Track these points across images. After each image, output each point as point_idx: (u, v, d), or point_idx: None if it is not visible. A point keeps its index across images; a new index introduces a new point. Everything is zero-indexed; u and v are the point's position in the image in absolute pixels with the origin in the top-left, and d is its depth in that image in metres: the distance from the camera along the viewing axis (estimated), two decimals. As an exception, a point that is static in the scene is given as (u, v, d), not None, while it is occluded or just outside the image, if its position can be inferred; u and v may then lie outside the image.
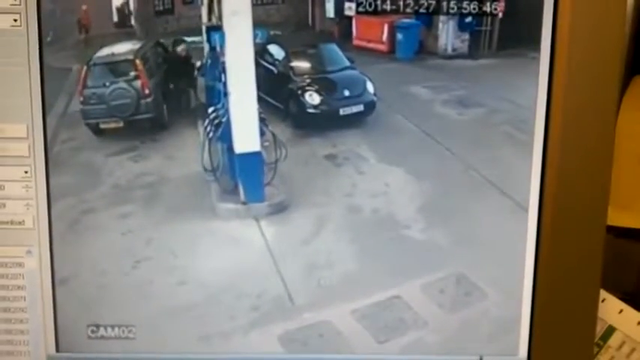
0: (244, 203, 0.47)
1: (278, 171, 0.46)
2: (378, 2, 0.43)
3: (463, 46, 0.45)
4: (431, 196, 0.45)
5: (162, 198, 0.45)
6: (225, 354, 0.46)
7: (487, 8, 0.43)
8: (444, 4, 0.43)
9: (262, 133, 0.46)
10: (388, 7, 0.43)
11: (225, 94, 0.45)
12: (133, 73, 0.46)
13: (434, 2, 0.43)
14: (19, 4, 0.42)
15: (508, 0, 0.43)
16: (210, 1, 0.44)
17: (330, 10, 0.44)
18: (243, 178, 0.47)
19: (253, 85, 0.44)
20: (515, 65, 0.43)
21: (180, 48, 0.45)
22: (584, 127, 0.42)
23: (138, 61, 0.46)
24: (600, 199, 0.42)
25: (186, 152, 0.46)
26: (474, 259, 0.45)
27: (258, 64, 0.45)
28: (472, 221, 0.45)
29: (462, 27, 0.44)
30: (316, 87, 0.48)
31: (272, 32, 0.45)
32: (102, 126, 0.45)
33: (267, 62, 0.47)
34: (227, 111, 0.45)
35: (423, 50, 0.45)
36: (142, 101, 0.46)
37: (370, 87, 0.46)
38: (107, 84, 0.45)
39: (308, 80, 0.48)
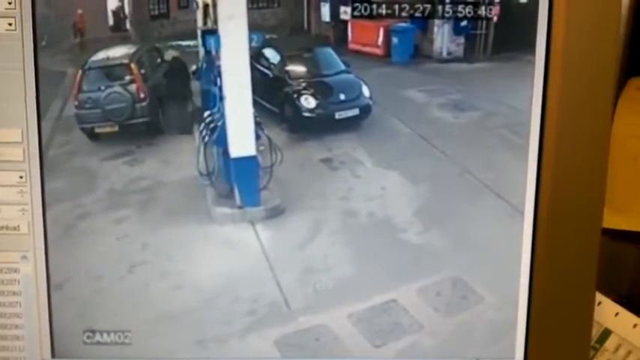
0: (240, 207, 0.47)
1: (274, 175, 0.46)
2: (374, 6, 0.43)
3: (458, 50, 0.45)
4: (427, 200, 0.45)
5: (158, 202, 0.45)
6: (221, 359, 0.46)
7: (482, 12, 0.43)
8: (440, 8, 0.43)
9: (258, 137, 0.46)
10: (383, 11, 0.43)
11: (221, 98, 0.45)
12: (128, 77, 0.46)
13: (429, 6, 0.43)
14: (14, 8, 0.42)
15: (503, 4, 0.43)
16: (205, 5, 0.44)
17: (325, 14, 0.44)
18: (239, 182, 0.47)
19: (249, 89, 0.44)
20: (511, 68, 0.43)
21: (175, 53, 0.45)
22: (580, 129, 0.42)
23: (133, 65, 0.45)
24: (596, 202, 0.42)
25: (181, 156, 0.46)
26: (470, 263, 0.45)
27: (253, 68, 0.45)
28: (468, 225, 0.45)
29: (457, 31, 0.44)
30: (312, 91, 0.48)
31: (267, 36, 0.45)
32: (97, 130, 0.45)
33: (263, 66, 0.47)
34: (222, 115, 0.45)
35: (419, 54, 0.45)
36: (138, 105, 0.46)
37: (366, 91, 0.46)
38: (102, 88, 0.45)
39: (304, 84, 0.48)
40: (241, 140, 0.46)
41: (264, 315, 0.45)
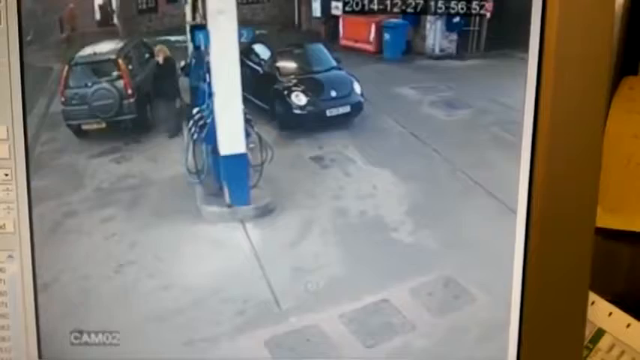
0: (229, 206, 0.46)
1: (264, 173, 0.45)
2: (365, 2, 0.43)
3: (451, 47, 0.45)
4: (419, 199, 0.44)
5: (146, 201, 0.45)
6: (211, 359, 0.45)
7: (475, 8, 0.43)
8: (432, 3, 0.43)
9: (248, 135, 0.45)
10: (375, 7, 0.43)
11: (210, 95, 0.45)
12: (115, 73, 0.45)
13: (421, 2, 0.43)
14: (-1, 3, 0.42)
15: (496, 0, 0.43)
16: (194, 0, 0.43)
17: (316, 10, 0.44)
18: (229, 180, 0.46)
19: (238, 86, 0.44)
20: (504, 66, 0.43)
21: (163, 48, 0.45)
22: (573, 128, 0.42)
23: (120, 61, 0.45)
24: (589, 201, 0.42)
25: (170, 154, 0.45)
26: (463, 262, 0.45)
27: (243, 64, 0.44)
28: (460, 223, 0.44)
29: (449, 27, 0.44)
30: (302, 87, 0.47)
31: (257, 32, 0.45)
32: (84, 127, 0.45)
33: (253, 62, 0.47)
34: (212, 112, 0.45)
35: (411, 50, 0.45)
36: (125, 102, 0.45)
37: (357, 88, 0.45)
38: (89, 84, 0.45)
39: (294, 80, 0.47)
40: (231, 137, 0.45)
41: (255, 315, 0.45)
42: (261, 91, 0.46)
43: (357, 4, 0.43)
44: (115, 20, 0.44)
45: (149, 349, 0.45)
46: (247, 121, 0.45)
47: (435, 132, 0.44)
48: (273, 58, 0.47)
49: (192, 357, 0.45)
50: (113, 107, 0.45)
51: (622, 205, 0.54)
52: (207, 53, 0.44)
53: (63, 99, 0.44)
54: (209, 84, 0.44)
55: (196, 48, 0.45)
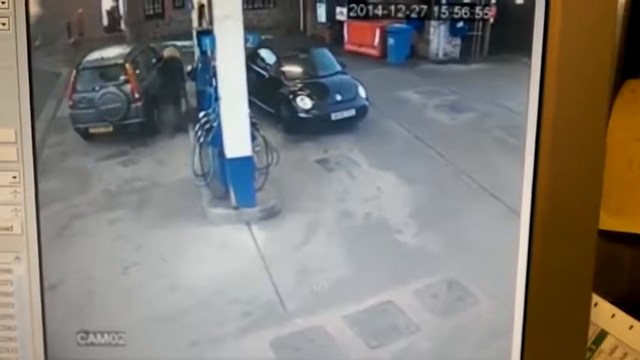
0: (235, 208, 0.46)
1: (269, 176, 0.45)
2: (370, 7, 0.43)
3: (454, 51, 0.45)
4: (423, 201, 0.45)
5: (153, 203, 0.45)
6: (216, 360, 0.46)
7: (478, 13, 0.43)
8: (436, 9, 0.43)
9: (254, 138, 0.46)
10: (380, 12, 0.43)
11: (216, 99, 0.45)
12: (123, 77, 0.46)
13: (425, 7, 0.43)
14: (8, 8, 0.42)
15: (499, 5, 0.43)
16: (200, 6, 0.44)
17: (321, 15, 0.44)
18: (235, 183, 0.47)
19: (244, 90, 0.44)
20: (507, 70, 0.43)
21: (170, 53, 0.45)
22: (576, 131, 0.42)
23: (128, 65, 0.45)
24: (592, 204, 0.42)
25: (176, 157, 0.45)
26: (466, 264, 0.45)
27: (249, 69, 0.45)
28: (464, 226, 0.45)
29: (453, 32, 0.44)
30: (308, 91, 0.47)
31: (263, 37, 0.45)
32: (91, 130, 0.45)
33: (259, 67, 0.47)
34: (218, 115, 0.45)
35: (415, 55, 0.45)
36: (132, 105, 0.46)
37: (362, 92, 0.46)
38: (97, 88, 0.45)
39: (299, 85, 0.48)
40: (237, 141, 0.46)
41: (260, 316, 0.45)
42: (266, 95, 0.46)
43: (361, 9, 0.43)
44: (123, 26, 0.44)
45: (155, 349, 0.45)
46: (253, 125, 0.45)
47: (438, 135, 0.44)
48: (279, 63, 0.47)
49: (197, 357, 0.45)
50: (120, 111, 0.45)
51: (624, 208, 0.54)
52: (214, 58, 0.44)
53: (71, 103, 0.44)
54: (215, 88, 0.45)
55: (203, 53, 0.45)
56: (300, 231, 0.45)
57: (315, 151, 0.46)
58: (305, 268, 0.45)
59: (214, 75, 0.45)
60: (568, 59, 0.41)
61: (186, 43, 0.45)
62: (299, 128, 0.47)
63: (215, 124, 0.46)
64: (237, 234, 0.45)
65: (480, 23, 0.43)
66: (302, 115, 0.47)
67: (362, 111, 0.46)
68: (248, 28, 0.43)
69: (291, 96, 0.47)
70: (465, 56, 0.45)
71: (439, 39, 0.45)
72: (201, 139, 0.46)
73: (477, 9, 0.43)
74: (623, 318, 0.51)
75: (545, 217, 0.43)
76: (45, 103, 0.44)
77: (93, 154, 0.45)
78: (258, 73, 0.47)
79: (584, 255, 0.43)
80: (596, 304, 0.50)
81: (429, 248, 0.45)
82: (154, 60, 0.46)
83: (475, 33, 0.44)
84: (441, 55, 0.45)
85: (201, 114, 0.46)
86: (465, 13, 0.43)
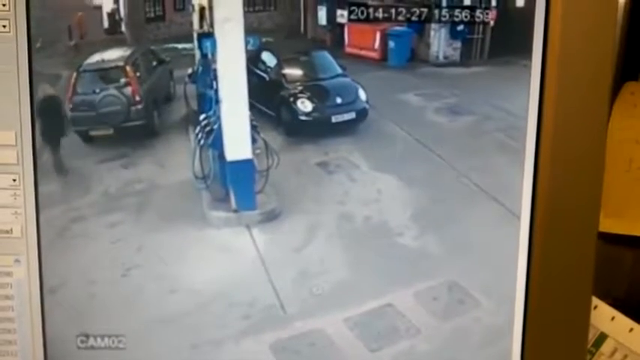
0: (235, 211, 0.46)
1: (270, 179, 0.45)
2: (370, 10, 0.43)
3: (455, 54, 0.45)
4: (423, 204, 0.45)
5: (153, 206, 0.45)
6: (216, 363, 0.45)
7: (479, 16, 0.43)
8: (436, 12, 0.43)
9: (254, 141, 0.46)
10: (380, 15, 0.43)
11: (217, 102, 0.45)
12: (123, 80, 0.46)
13: (426, 10, 0.43)
14: (8, 10, 0.42)
15: (500, 8, 0.43)
16: (201, 8, 0.44)
17: (322, 18, 0.44)
18: (235, 185, 0.47)
19: (245, 93, 0.44)
20: (507, 73, 0.43)
21: (171, 55, 0.45)
22: (576, 134, 0.42)
23: (128, 68, 0.45)
24: (591, 206, 0.43)
25: (177, 159, 0.45)
26: (467, 267, 0.45)
27: (249, 72, 0.45)
28: (464, 228, 0.45)
29: (453, 35, 0.44)
30: (308, 94, 0.48)
31: (264, 39, 0.45)
32: (91, 133, 0.45)
33: (259, 69, 0.47)
34: (218, 118, 0.45)
35: (415, 58, 0.45)
36: (133, 108, 0.46)
37: (362, 94, 0.46)
38: (97, 91, 0.45)
39: (300, 87, 0.48)
40: (237, 143, 0.46)
41: (260, 319, 0.45)
42: (267, 97, 0.46)
43: (362, 12, 0.43)
44: (123, 28, 0.44)
45: (155, 352, 0.45)
46: (253, 128, 0.45)
47: (439, 138, 0.44)
48: (280, 66, 0.47)
49: (197, 360, 0.45)
50: (121, 113, 0.45)
51: (624, 210, 0.54)
52: (214, 61, 0.44)
53: (71, 105, 0.44)
54: (216, 91, 0.45)
55: (203, 56, 0.45)
56: (300, 234, 0.45)
57: (316, 154, 0.46)
58: (305, 270, 0.45)
59: (215, 77, 0.44)
60: (568, 62, 0.41)
61: (187, 45, 0.45)
62: (299, 131, 0.47)
63: (215, 126, 0.46)
64: (237, 237, 0.45)
65: (481, 26, 0.43)
66: (302, 117, 0.47)
67: (362, 114, 0.46)
68: (249, 30, 0.43)
69: (291, 99, 0.47)
70: (465, 59, 0.45)
71: (440, 42, 0.45)
72: (202, 142, 0.46)
73: (478, 12, 0.43)
74: (623, 320, 0.51)
75: (545, 220, 0.43)
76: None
77: (93, 157, 0.45)
78: (259, 75, 0.47)
79: (583, 257, 0.43)
80: (595, 307, 0.51)
81: (430, 251, 0.45)
82: (154, 62, 0.46)
83: (475, 36, 0.44)
84: (441, 57, 0.45)
85: (202, 116, 0.46)
86: (466, 16, 0.43)
